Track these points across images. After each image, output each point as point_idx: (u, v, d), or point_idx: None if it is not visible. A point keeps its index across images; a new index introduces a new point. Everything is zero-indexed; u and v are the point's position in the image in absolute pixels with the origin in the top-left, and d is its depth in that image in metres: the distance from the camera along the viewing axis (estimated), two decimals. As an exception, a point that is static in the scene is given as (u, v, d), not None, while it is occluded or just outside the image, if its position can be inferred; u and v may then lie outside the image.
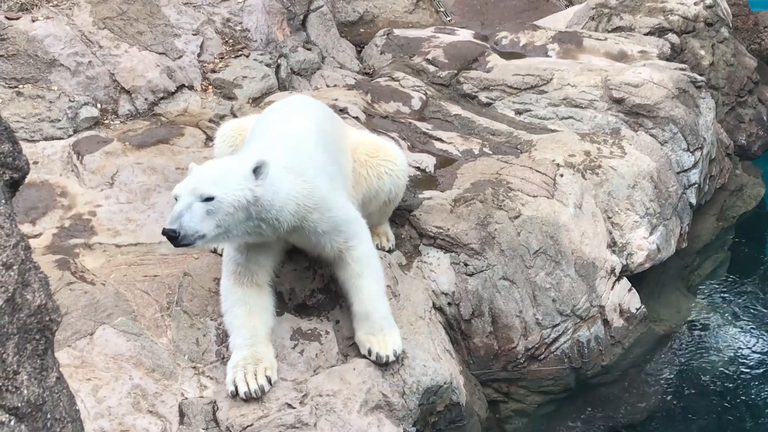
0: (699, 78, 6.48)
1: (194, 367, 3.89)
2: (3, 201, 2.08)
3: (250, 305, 3.88)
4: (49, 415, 1.99)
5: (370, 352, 3.96)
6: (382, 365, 3.95)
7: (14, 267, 1.96)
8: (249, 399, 3.65)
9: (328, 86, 6.58)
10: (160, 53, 6.05)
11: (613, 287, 5.15)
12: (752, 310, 5.90)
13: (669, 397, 5.17)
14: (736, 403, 5.16)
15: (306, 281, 4.35)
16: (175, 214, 3.41)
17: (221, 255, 4.43)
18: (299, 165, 3.85)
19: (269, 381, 3.71)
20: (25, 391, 1.92)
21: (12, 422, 1.86)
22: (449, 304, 4.72)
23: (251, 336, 3.79)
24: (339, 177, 4.15)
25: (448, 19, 8.29)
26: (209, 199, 3.47)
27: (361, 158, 4.44)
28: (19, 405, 1.88)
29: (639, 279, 5.46)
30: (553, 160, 5.48)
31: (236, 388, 3.65)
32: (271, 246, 3.99)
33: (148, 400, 3.67)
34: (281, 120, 4.23)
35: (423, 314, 4.44)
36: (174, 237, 3.37)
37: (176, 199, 3.49)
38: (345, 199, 4.10)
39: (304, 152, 3.97)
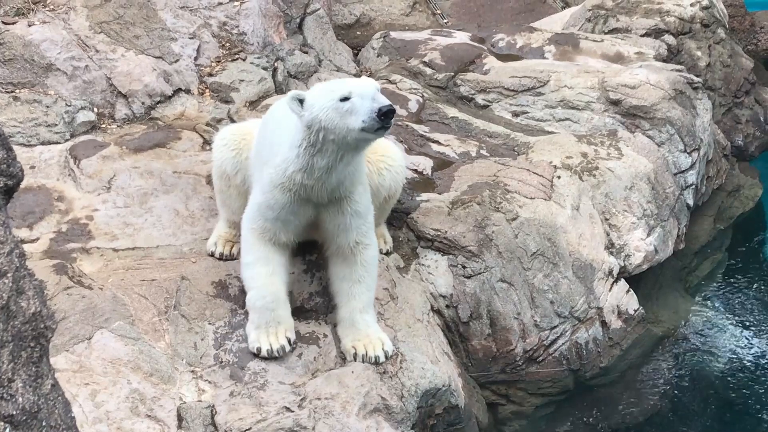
0: (696, 79, 6.48)
1: (192, 371, 3.89)
2: (-2, 208, 2.08)
3: (273, 264, 3.98)
4: (44, 423, 1.98)
5: (356, 357, 3.98)
6: (373, 365, 3.95)
7: (9, 274, 1.96)
8: (270, 358, 3.88)
9: (325, 89, 6.57)
10: (156, 57, 6.05)
11: (611, 289, 5.14)
12: (750, 311, 5.90)
13: (667, 399, 5.17)
14: (735, 403, 5.16)
15: (304, 284, 4.34)
16: (382, 97, 3.58)
17: (219, 259, 4.45)
18: None
19: (289, 342, 3.94)
20: (20, 399, 1.92)
21: (7, 430, 1.86)
22: (447, 306, 4.72)
23: (273, 300, 3.93)
24: None
25: (445, 21, 8.29)
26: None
27: None
28: (14, 413, 1.88)
29: (637, 280, 5.46)
30: (551, 162, 5.48)
31: (260, 347, 3.88)
32: (304, 211, 3.93)
33: (146, 404, 3.67)
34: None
35: (421, 317, 4.44)
36: (393, 112, 3.53)
37: (349, 98, 3.56)
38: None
39: None
